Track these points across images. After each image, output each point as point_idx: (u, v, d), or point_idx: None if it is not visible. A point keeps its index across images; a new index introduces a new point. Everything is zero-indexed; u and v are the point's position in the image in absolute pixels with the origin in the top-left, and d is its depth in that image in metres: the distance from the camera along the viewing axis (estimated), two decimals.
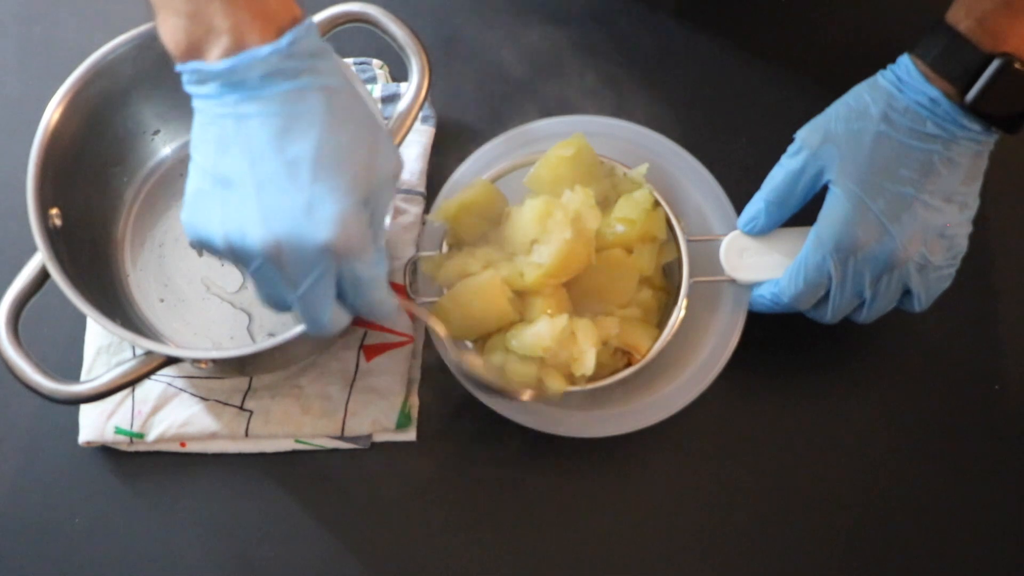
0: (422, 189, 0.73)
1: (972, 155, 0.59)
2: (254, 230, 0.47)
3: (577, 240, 0.62)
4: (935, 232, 0.59)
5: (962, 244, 0.61)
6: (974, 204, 0.61)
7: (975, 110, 0.57)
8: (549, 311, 0.62)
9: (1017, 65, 0.56)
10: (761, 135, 0.76)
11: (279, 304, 0.52)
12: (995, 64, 0.56)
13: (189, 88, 0.50)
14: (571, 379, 0.63)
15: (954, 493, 0.69)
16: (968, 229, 0.61)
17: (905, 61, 0.60)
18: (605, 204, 0.66)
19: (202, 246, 0.50)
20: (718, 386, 0.65)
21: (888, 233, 0.58)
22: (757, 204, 0.63)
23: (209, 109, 0.49)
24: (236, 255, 0.48)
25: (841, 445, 0.69)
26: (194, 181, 0.49)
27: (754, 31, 0.79)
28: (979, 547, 0.68)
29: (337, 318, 0.51)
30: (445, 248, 0.66)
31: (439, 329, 0.61)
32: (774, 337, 0.67)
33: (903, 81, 0.60)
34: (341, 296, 0.51)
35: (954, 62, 0.58)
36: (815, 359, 0.71)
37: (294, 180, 0.47)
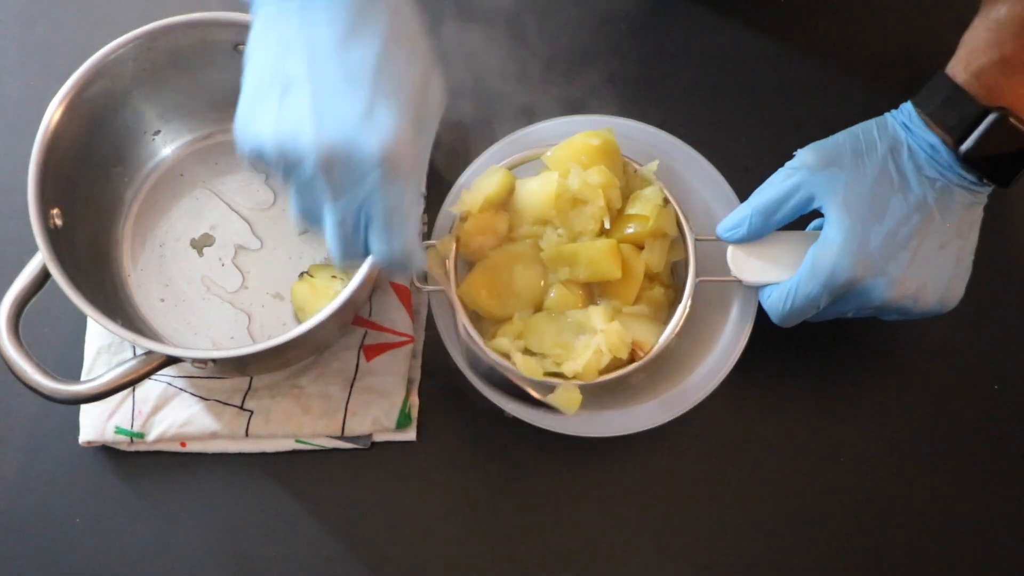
0: (422, 189, 0.73)
1: (966, 205, 0.60)
2: (307, 132, 0.45)
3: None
4: (926, 278, 0.59)
5: (954, 296, 0.61)
6: (968, 258, 0.61)
7: (969, 161, 0.58)
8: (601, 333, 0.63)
9: (1012, 120, 0.57)
10: (761, 135, 0.76)
11: (311, 218, 0.49)
12: (990, 118, 0.57)
13: None
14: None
15: (954, 493, 0.69)
16: (960, 286, 0.61)
17: (908, 107, 0.61)
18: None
19: (253, 155, 0.48)
20: (723, 387, 0.65)
21: (881, 273, 0.59)
22: (743, 212, 0.63)
23: (271, 13, 0.47)
24: (287, 159, 0.46)
25: (842, 446, 0.69)
26: (248, 87, 0.48)
27: (754, 32, 0.80)
28: (979, 547, 0.68)
29: (356, 250, 0.49)
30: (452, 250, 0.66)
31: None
32: (776, 339, 0.67)
33: (907, 126, 0.60)
34: (371, 231, 0.48)
35: (951, 113, 0.59)
36: (816, 360, 0.71)
37: (353, 86, 0.46)
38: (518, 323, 0.65)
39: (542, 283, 0.65)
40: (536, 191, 0.65)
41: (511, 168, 0.67)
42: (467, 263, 0.67)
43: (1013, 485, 0.69)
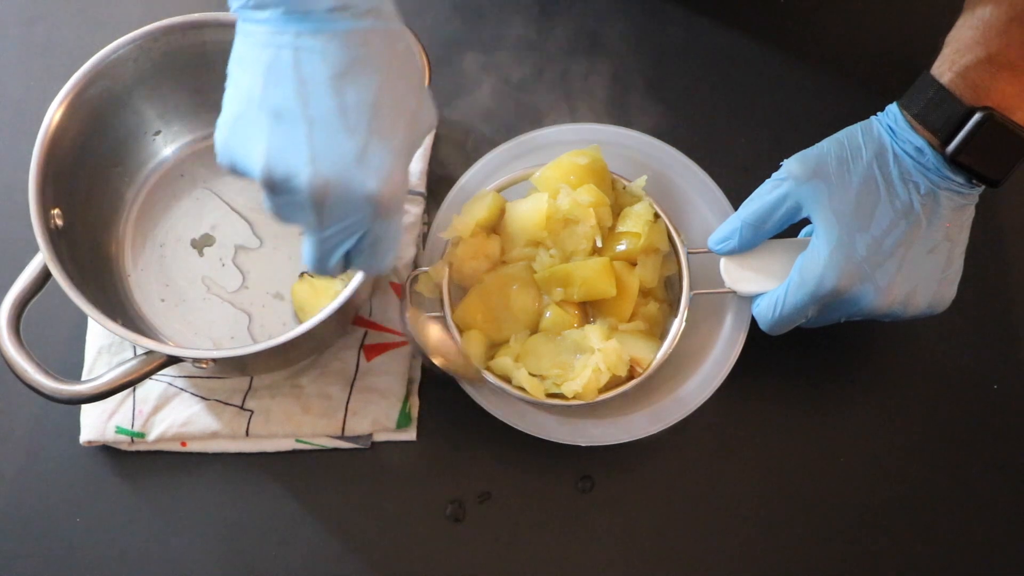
0: (422, 189, 0.73)
1: (955, 207, 0.59)
2: (303, 168, 0.45)
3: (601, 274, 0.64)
4: (914, 284, 0.59)
5: (944, 299, 0.61)
6: (958, 261, 0.60)
7: (956, 162, 0.58)
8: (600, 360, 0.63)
9: (997, 119, 0.56)
10: (761, 135, 0.76)
11: (287, 222, 0.50)
12: (976, 118, 0.56)
13: (243, 12, 0.47)
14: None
15: (954, 493, 0.69)
16: (951, 289, 0.61)
17: (893, 109, 0.60)
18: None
19: (234, 171, 0.48)
20: (720, 392, 0.65)
21: (869, 281, 0.58)
22: (733, 224, 0.63)
23: (262, 34, 0.47)
24: (274, 188, 0.47)
25: (841, 448, 0.69)
26: (235, 104, 0.47)
27: (753, 32, 0.80)
28: (979, 547, 0.68)
29: (338, 266, 0.50)
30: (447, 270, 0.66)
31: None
32: (772, 342, 0.66)
33: (893, 129, 0.60)
34: (357, 253, 0.50)
35: (937, 114, 0.58)
36: (815, 362, 0.71)
37: (349, 126, 0.46)
38: (515, 345, 0.65)
39: (537, 305, 0.66)
40: (526, 213, 0.65)
41: (500, 190, 0.67)
42: (461, 288, 0.67)
43: (1013, 485, 0.69)
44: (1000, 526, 0.68)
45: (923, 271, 0.59)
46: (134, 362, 0.58)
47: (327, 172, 0.45)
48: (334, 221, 0.47)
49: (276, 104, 0.46)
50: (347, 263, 0.51)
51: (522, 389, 0.64)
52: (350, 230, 0.48)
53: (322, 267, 0.50)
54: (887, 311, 0.60)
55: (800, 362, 0.71)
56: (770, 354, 0.68)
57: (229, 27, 0.63)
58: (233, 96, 0.48)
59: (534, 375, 0.64)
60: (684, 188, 0.69)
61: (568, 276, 0.64)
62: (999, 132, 0.56)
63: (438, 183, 0.73)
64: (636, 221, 0.65)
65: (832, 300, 0.59)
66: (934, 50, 0.60)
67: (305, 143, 0.45)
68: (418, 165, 0.73)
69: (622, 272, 0.65)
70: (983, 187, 0.59)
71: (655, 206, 0.66)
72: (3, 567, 0.66)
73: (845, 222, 0.59)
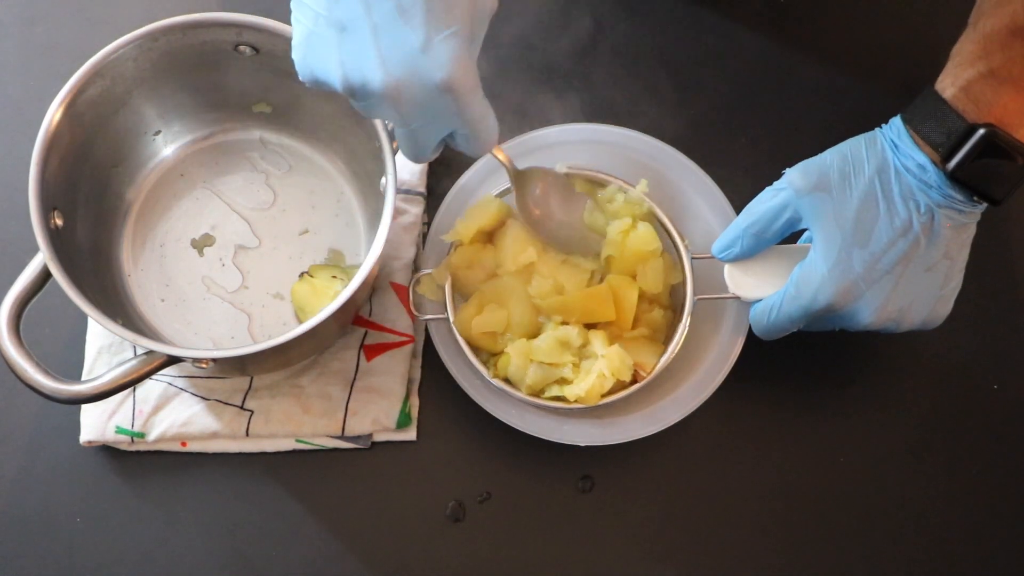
0: (422, 189, 0.73)
1: (956, 226, 0.58)
2: (374, 72, 0.48)
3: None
4: (909, 301, 0.59)
5: (939, 315, 0.61)
6: (956, 278, 0.60)
7: (957, 179, 0.57)
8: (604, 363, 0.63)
9: (1000, 136, 0.56)
10: (761, 135, 0.76)
11: (377, 119, 0.53)
12: (976, 135, 0.56)
13: None
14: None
15: (954, 493, 0.69)
16: (946, 306, 0.61)
17: (897, 123, 0.60)
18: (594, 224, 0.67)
19: (316, 86, 0.51)
20: (720, 392, 0.65)
21: (863, 298, 0.58)
22: (734, 232, 0.63)
23: None
24: (354, 95, 0.50)
25: (841, 448, 0.69)
26: (306, 23, 0.50)
27: (754, 32, 0.80)
28: (979, 547, 0.68)
29: (437, 150, 0.54)
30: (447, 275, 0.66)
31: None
32: (773, 341, 0.67)
33: (896, 144, 0.59)
34: (458, 139, 0.54)
35: (938, 130, 0.57)
36: (814, 362, 0.71)
37: (409, 22, 0.48)
38: (517, 350, 0.64)
39: (535, 316, 0.65)
40: (522, 240, 0.65)
41: (501, 196, 0.67)
42: (461, 294, 0.67)
43: (1013, 485, 0.69)
44: (1000, 526, 0.68)
45: (919, 289, 0.59)
46: (134, 362, 0.58)
47: (397, 72, 0.48)
48: (416, 115, 0.50)
49: (341, 17, 0.49)
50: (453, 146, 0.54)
51: (534, 394, 0.64)
52: (436, 120, 0.51)
53: (418, 158, 0.54)
54: (880, 327, 0.60)
55: (799, 362, 0.71)
56: (769, 354, 0.68)
57: (229, 27, 0.63)
58: (300, 16, 0.51)
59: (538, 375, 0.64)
60: (685, 189, 0.69)
61: (567, 307, 0.64)
62: (1000, 150, 0.56)
63: (438, 183, 0.73)
64: (612, 243, 0.65)
65: (825, 314, 0.60)
66: (935, 50, 0.60)
67: (373, 48, 0.48)
68: (417, 166, 0.73)
69: (620, 288, 0.65)
70: (985, 205, 0.58)
71: (657, 211, 0.66)
72: (3, 567, 0.66)
73: (844, 239, 0.59)
